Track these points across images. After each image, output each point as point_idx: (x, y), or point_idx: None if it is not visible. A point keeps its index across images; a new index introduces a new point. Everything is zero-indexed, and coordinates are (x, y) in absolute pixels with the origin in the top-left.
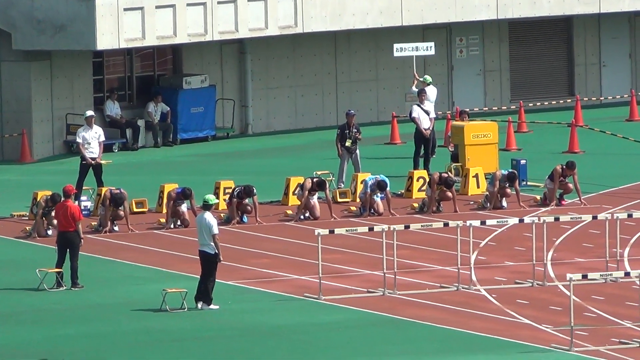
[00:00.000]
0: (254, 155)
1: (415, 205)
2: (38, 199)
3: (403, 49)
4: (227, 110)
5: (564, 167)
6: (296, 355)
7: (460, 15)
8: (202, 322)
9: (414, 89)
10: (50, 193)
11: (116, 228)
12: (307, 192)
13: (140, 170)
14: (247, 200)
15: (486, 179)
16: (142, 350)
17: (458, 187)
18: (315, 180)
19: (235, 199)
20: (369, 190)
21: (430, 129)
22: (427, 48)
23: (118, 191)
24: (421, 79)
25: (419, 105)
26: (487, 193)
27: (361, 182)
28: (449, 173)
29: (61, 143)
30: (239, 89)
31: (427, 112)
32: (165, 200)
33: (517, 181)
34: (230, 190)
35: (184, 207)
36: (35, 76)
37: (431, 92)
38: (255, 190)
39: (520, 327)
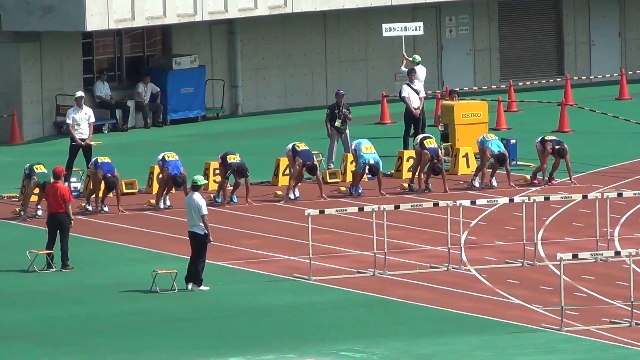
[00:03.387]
0: (244, 135)
1: (405, 185)
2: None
3: (392, 29)
4: (217, 91)
5: (556, 149)
6: (287, 336)
7: None
8: (193, 303)
9: (403, 68)
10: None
11: (106, 209)
12: (297, 173)
13: (130, 151)
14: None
15: (476, 158)
16: (133, 331)
17: (448, 167)
18: (307, 164)
19: (227, 180)
20: (360, 168)
21: (420, 108)
22: (415, 28)
23: (112, 176)
24: (410, 59)
25: (408, 85)
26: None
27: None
28: (440, 152)
29: (51, 124)
30: (229, 69)
31: (417, 92)
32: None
33: (508, 161)
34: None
35: None
36: (25, 57)
37: (420, 71)
38: (248, 171)
39: (510, 307)
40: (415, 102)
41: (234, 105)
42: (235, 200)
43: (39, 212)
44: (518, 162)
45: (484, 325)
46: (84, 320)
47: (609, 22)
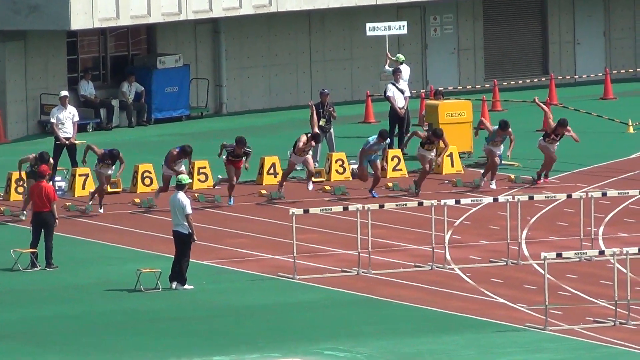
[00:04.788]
0: (229, 134)
1: (390, 184)
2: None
3: (376, 29)
4: (201, 90)
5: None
6: (271, 335)
7: None
8: (177, 302)
9: (387, 68)
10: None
11: (101, 210)
12: (302, 144)
13: None
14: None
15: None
16: (117, 331)
17: (433, 166)
18: (313, 134)
19: (230, 157)
20: (367, 147)
21: (405, 107)
22: (399, 27)
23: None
24: (394, 58)
25: (393, 84)
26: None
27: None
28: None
29: (35, 123)
30: (213, 69)
31: (401, 91)
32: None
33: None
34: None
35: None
36: (10, 56)
37: (404, 70)
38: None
39: (494, 307)
40: (400, 102)
41: (219, 104)
42: (231, 202)
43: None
44: (503, 162)
45: (468, 324)
46: (68, 320)
47: (593, 22)
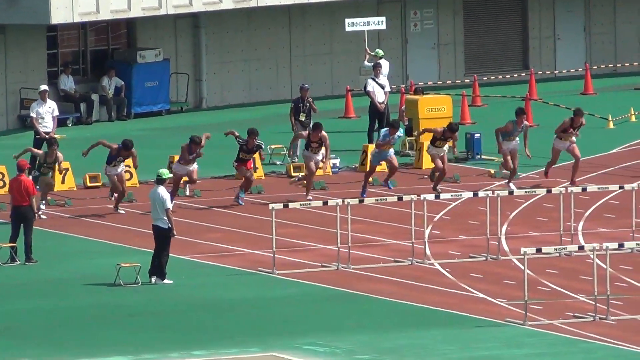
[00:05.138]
0: (208, 129)
1: (370, 179)
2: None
3: (355, 24)
4: (181, 84)
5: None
6: (250, 329)
7: None
8: (156, 297)
9: (367, 63)
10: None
11: (122, 211)
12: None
13: None
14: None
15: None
16: (96, 325)
17: (412, 161)
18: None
19: (241, 154)
20: (381, 141)
21: (385, 102)
22: (378, 22)
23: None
24: (373, 53)
25: (373, 79)
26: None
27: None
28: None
29: (15, 117)
30: (193, 63)
31: (382, 86)
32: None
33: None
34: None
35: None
36: None
37: (384, 65)
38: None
39: (474, 301)
40: (380, 97)
41: (198, 99)
42: (241, 201)
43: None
44: (482, 157)
45: (447, 319)
46: (48, 314)
47: (574, 17)
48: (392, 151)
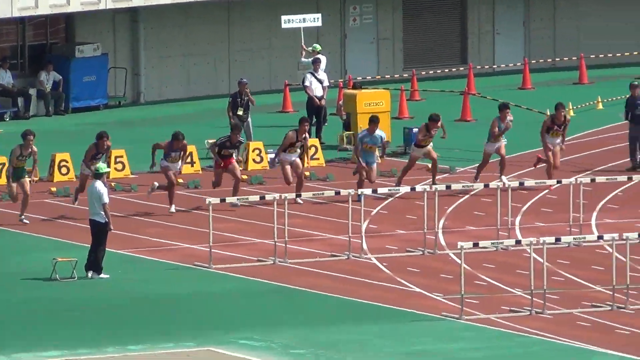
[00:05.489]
0: (146, 124)
1: (307, 173)
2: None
3: (291, 21)
4: (119, 79)
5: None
6: (187, 324)
7: None
8: (93, 292)
9: (303, 59)
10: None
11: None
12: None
13: None
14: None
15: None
16: (32, 320)
17: (350, 156)
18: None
19: (223, 152)
20: (361, 146)
21: (323, 97)
22: (314, 19)
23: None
24: (310, 48)
25: (312, 74)
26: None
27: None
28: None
29: None
30: (132, 58)
31: (320, 81)
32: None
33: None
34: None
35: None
36: None
37: (321, 60)
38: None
39: (411, 296)
40: (318, 91)
41: (136, 93)
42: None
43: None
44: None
45: (384, 313)
46: None
47: (513, 12)
48: (376, 157)
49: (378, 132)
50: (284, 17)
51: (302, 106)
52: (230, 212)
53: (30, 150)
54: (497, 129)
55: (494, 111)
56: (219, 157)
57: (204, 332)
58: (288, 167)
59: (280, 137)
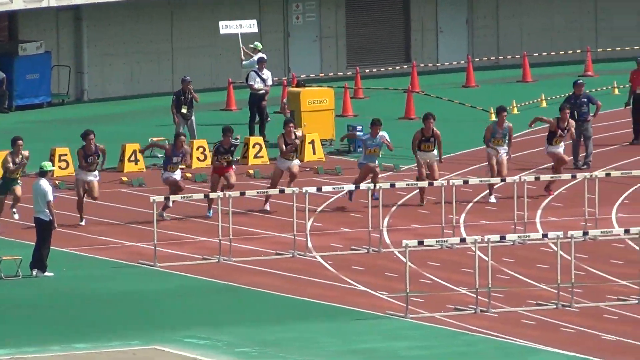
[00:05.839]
0: (90, 121)
1: (251, 172)
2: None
3: (228, 26)
4: (62, 77)
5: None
6: (132, 322)
7: None
8: (37, 290)
9: (245, 62)
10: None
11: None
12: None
13: None
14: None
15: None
16: None
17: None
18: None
19: (217, 157)
20: (364, 150)
21: (265, 98)
22: (250, 25)
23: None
24: (252, 46)
25: (256, 73)
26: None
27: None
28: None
29: None
30: (75, 56)
31: (264, 80)
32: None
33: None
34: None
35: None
36: None
37: (266, 60)
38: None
39: (356, 294)
40: (258, 84)
41: (80, 91)
42: (210, 214)
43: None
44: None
45: (329, 311)
46: None
47: (456, 9)
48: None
49: (380, 132)
50: (221, 23)
51: (246, 104)
52: (174, 211)
53: (21, 156)
54: (489, 134)
55: (438, 109)
56: (217, 163)
57: (149, 331)
58: (279, 172)
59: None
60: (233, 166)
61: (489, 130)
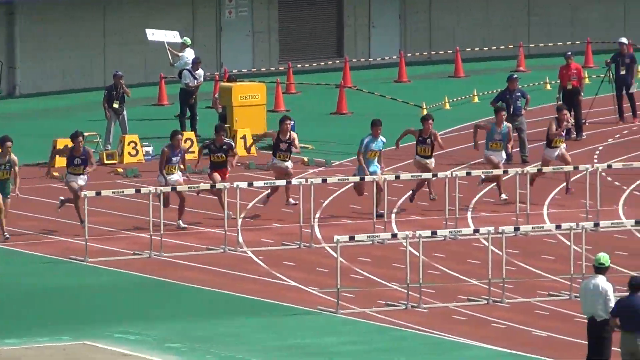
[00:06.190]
0: (22, 117)
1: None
2: None
3: (154, 34)
4: None
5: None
6: (62, 318)
7: None
8: None
9: (176, 64)
10: None
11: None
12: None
13: None
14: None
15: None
16: None
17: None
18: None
19: (212, 158)
20: (365, 154)
21: (196, 90)
22: (173, 36)
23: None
24: (181, 40)
25: (189, 71)
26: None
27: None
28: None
29: None
30: (7, 50)
31: (196, 78)
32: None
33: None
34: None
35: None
36: None
37: (189, 54)
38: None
39: (287, 289)
40: (192, 82)
41: (12, 86)
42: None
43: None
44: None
45: (261, 307)
46: None
47: (389, 5)
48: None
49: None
50: (148, 31)
51: (177, 99)
52: (104, 205)
53: (8, 157)
54: (487, 131)
55: (370, 104)
56: (210, 167)
57: (79, 326)
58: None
59: (156, 130)
60: (228, 167)
61: (487, 130)
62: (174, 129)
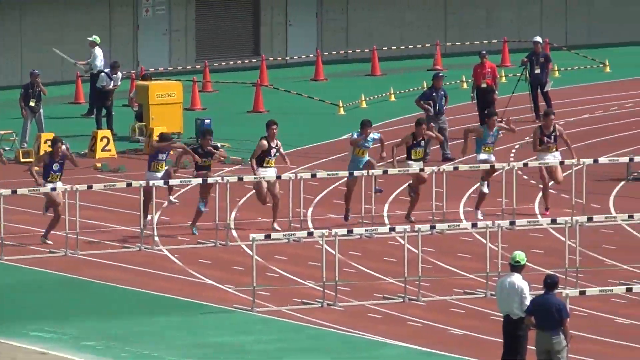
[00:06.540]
0: None
1: (99, 165)
2: None
3: (59, 52)
4: None
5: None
6: None
7: None
8: None
9: (91, 67)
10: None
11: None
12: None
13: None
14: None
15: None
16: None
17: (142, 147)
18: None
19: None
20: (354, 151)
21: (114, 89)
22: (70, 57)
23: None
24: (90, 39)
25: (107, 74)
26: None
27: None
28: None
29: None
30: None
31: (112, 80)
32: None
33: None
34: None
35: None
36: None
37: (99, 53)
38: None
39: (203, 288)
40: (110, 84)
41: None
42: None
43: None
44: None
45: (177, 305)
46: None
47: (306, 3)
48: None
49: (372, 134)
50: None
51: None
52: (20, 204)
53: None
54: (478, 135)
55: (286, 103)
56: (197, 169)
57: None
58: (264, 185)
59: (72, 128)
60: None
61: (478, 136)
62: (168, 135)
